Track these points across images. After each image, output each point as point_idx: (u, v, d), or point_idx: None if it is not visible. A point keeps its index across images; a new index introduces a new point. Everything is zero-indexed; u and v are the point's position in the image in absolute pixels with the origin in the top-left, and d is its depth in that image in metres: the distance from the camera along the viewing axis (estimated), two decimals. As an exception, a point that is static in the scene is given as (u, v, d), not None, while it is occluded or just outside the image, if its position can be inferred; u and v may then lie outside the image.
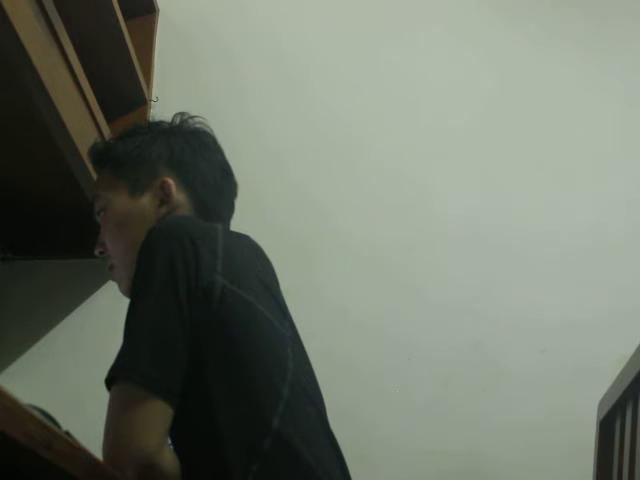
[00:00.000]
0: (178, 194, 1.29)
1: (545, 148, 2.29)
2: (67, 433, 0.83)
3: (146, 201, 1.29)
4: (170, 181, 1.29)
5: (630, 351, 1.30)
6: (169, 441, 1.05)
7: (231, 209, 1.37)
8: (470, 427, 2.02)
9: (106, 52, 2.03)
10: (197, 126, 1.38)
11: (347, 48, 2.38)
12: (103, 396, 1.04)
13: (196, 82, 2.34)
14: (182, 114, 1.39)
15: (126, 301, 1.11)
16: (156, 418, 1.01)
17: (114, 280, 1.33)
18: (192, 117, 1.39)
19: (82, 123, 1.71)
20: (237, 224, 1.36)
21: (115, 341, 1.07)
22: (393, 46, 2.38)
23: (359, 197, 2.24)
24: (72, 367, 2.05)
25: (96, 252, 1.34)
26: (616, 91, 2.35)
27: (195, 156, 1.33)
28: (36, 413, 0.65)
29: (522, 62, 2.38)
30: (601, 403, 1.50)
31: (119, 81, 2.13)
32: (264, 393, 1.08)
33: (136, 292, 1.09)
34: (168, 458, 1.03)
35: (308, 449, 1.07)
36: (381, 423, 2.02)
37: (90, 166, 1.46)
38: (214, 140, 1.38)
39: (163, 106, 2.15)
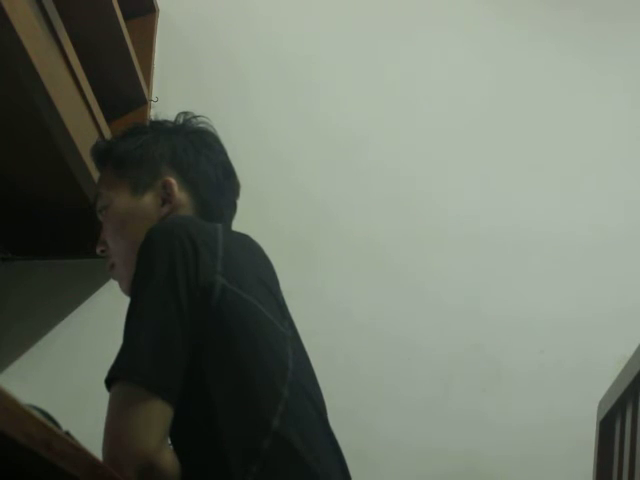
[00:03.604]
0: (180, 194, 1.29)
1: (545, 147, 2.29)
2: (67, 433, 0.83)
3: (148, 200, 1.29)
4: (172, 180, 1.29)
5: (630, 351, 1.30)
6: (169, 441, 1.05)
7: (233, 209, 1.37)
8: (470, 427, 2.02)
9: (106, 52, 2.03)
10: (200, 126, 1.38)
11: (346, 48, 2.38)
12: (103, 396, 1.04)
13: (196, 82, 2.34)
14: (185, 113, 1.38)
15: (126, 301, 1.11)
16: (156, 418, 1.01)
17: (115, 279, 1.33)
18: (195, 117, 1.38)
19: (82, 123, 1.71)
20: (237, 224, 1.37)
21: (115, 341, 1.07)
22: (393, 46, 2.38)
23: (359, 197, 2.24)
24: (72, 367, 2.05)
25: (98, 251, 1.33)
26: (616, 91, 2.35)
27: (197, 156, 1.33)
28: (36, 413, 0.65)
29: (522, 62, 2.38)
30: (601, 403, 1.50)
31: (119, 81, 2.13)
32: (264, 393, 1.08)
33: (136, 292, 1.09)
34: (168, 458, 1.02)
35: (308, 449, 1.07)
36: (381, 423, 2.02)
37: (90, 166, 1.46)
38: (217, 140, 1.38)
39: (163, 106, 2.15)
